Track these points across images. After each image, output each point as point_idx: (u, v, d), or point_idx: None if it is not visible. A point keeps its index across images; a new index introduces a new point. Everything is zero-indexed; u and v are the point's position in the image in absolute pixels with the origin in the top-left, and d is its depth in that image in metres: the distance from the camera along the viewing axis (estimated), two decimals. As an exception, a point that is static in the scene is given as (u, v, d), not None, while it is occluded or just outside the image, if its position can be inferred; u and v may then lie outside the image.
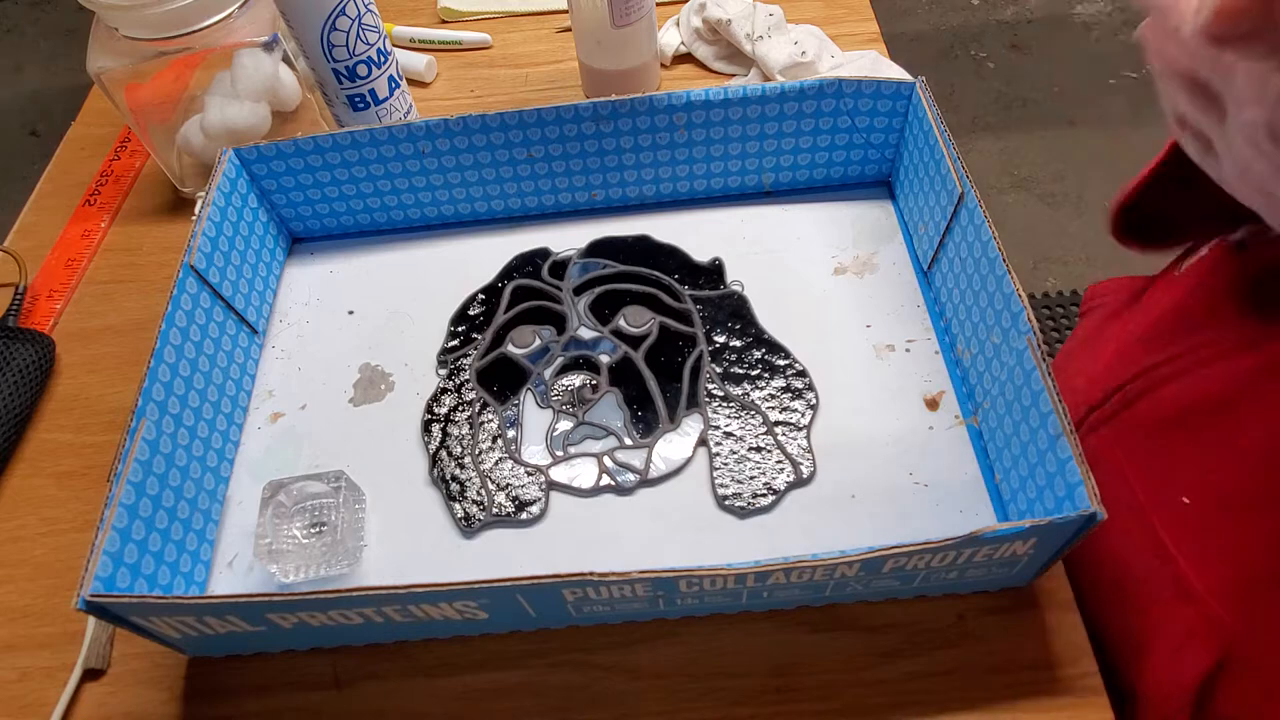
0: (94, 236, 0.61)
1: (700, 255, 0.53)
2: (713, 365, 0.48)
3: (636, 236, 0.55)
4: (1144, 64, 0.32)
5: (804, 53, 0.62)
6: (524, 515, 0.43)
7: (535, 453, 0.46)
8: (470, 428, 0.47)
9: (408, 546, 0.43)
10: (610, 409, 0.46)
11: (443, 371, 0.50)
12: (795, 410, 0.46)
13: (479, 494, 0.44)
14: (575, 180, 0.55)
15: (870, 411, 0.46)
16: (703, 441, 0.45)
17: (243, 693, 0.40)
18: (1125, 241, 0.45)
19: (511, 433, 0.46)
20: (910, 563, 0.35)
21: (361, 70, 0.56)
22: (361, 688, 0.40)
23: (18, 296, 0.56)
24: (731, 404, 0.46)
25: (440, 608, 0.36)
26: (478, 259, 0.55)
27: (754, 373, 0.48)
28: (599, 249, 0.54)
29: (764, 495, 0.43)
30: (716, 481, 0.44)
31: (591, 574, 0.33)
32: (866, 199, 0.56)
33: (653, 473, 0.44)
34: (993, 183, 1.55)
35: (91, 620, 0.42)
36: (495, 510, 0.44)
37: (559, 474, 0.45)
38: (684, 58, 0.68)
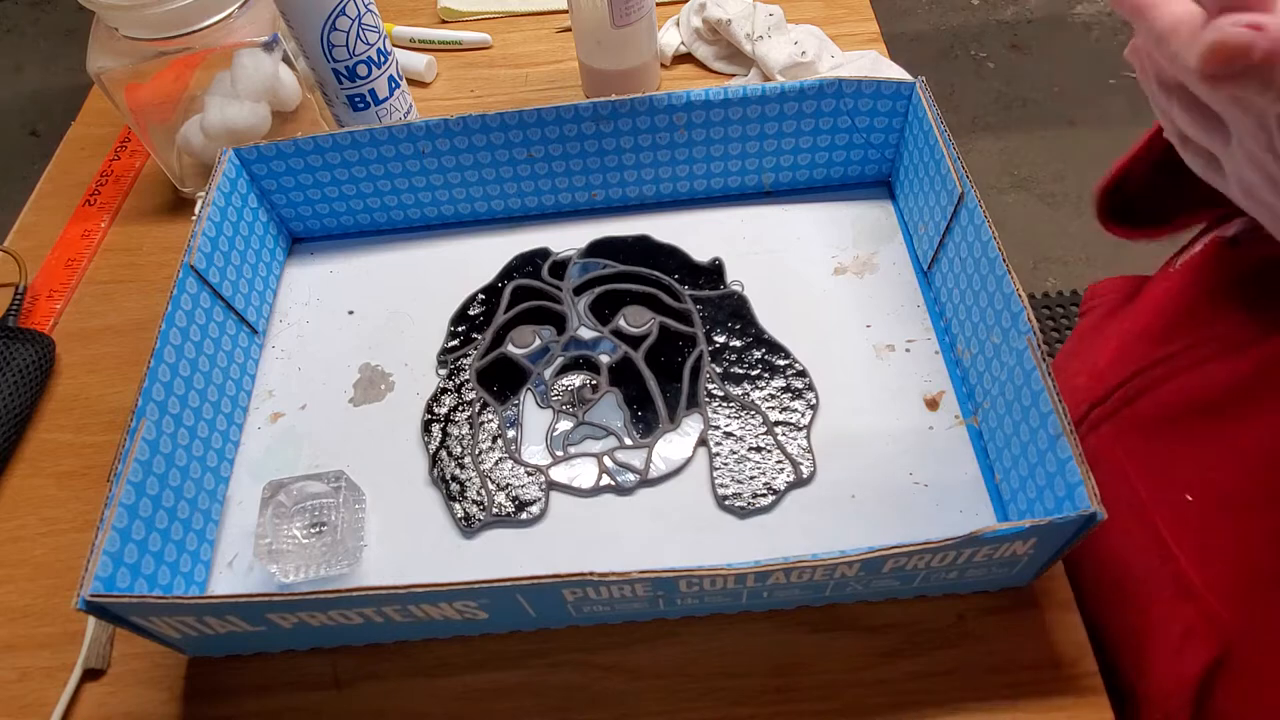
0: (94, 236, 0.61)
1: (700, 255, 0.53)
2: (713, 365, 0.48)
3: (636, 236, 0.55)
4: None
5: (804, 53, 0.62)
6: (524, 515, 0.43)
7: (535, 453, 0.46)
8: (470, 428, 0.47)
9: (408, 546, 0.43)
10: (610, 409, 0.46)
11: (443, 371, 0.50)
12: (795, 410, 0.46)
13: (479, 494, 0.44)
14: (575, 180, 0.55)
15: (870, 411, 0.46)
16: (703, 441, 0.45)
17: (243, 693, 0.40)
18: (1110, 226, 0.45)
19: (511, 433, 0.46)
20: (910, 563, 0.35)
21: (361, 70, 0.56)
22: (361, 688, 0.40)
23: (18, 296, 0.56)
24: (731, 404, 0.46)
25: (440, 608, 0.36)
26: (478, 259, 0.55)
27: (754, 373, 0.48)
28: (599, 249, 0.54)
29: (764, 495, 0.43)
30: (716, 481, 0.44)
31: (591, 574, 0.33)
32: (866, 199, 0.56)
33: (653, 473, 0.44)
34: (993, 183, 1.55)
35: (91, 620, 0.42)
36: (495, 510, 0.44)
37: (559, 474, 0.45)
38: (684, 58, 0.68)
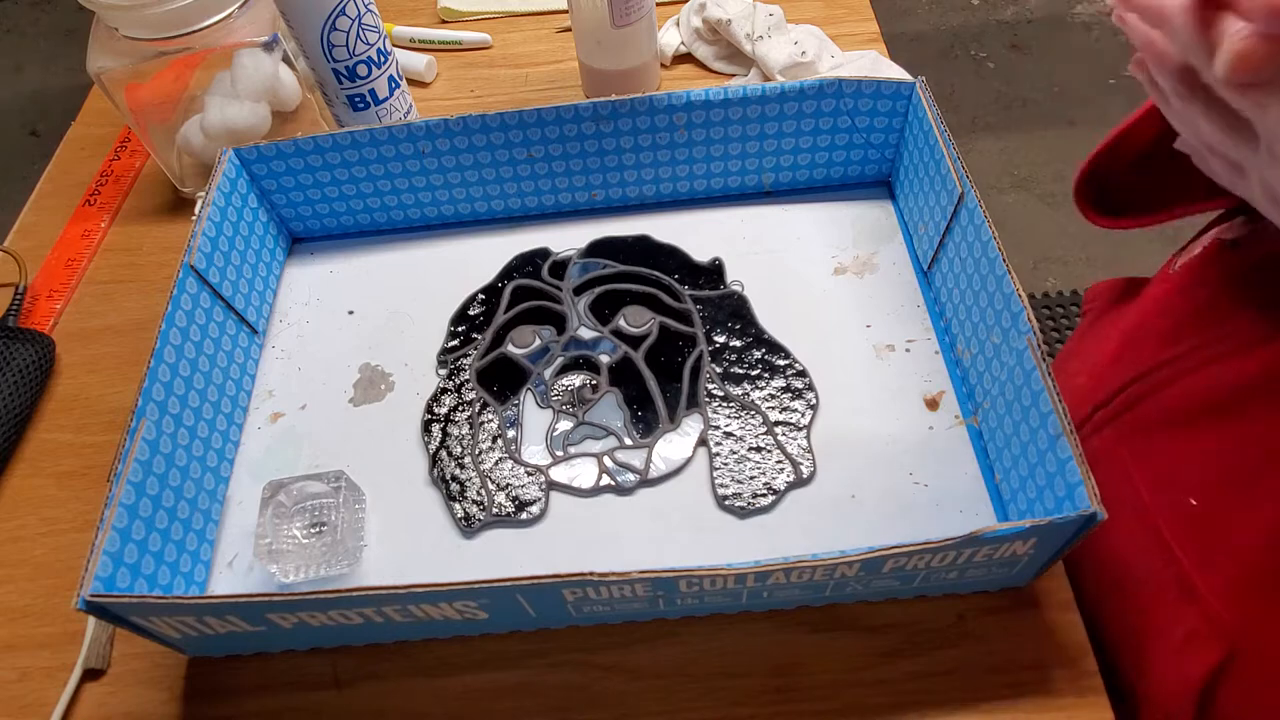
0: (94, 236, 0.61)
1: (700, 255, 0.53)
2: (713, 365, 0.48)
3: (636, 236, 0.55)
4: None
5: (804, 53, 0.62)
6: (524, 515, 0.43)
7: (535, 453, 0.46)
8: (470, 428, 0.47)
9: (408, 546, 0.43)
10: (610, 409, 0.46)
11: (443, 371, 0.50)
12: (795, 410, 0.46)
13: (479, 494, 0.44)
14: (575, 180, 0.55)
15: (870, 411, 0.46)
16: (703, 441, 0.45)
17: (243, 693, 0.40)
18: (1091, 215, 0.45)
19: (511, 433, 0.46)
20: (910, 563, 0.35)
21: (361, 70, 0.56)
22: (361, 688, 0.40)
23: (18, 296, 0.56)
24: (731, 404, 0.46)
25: (440, 608, 0.36)
26: (478, 259, 0.55)
27: (754, 373, 0.48)
28: (599, 249, 0.54)
29: (764, 495, 0.43)
30: (716, 481, 0.44)
31: (591, 574, 0.33)
32: (866, 199, 0.56)
33: (653, 473, 0.44)
34: (993, 183, 1.55)
35: (91, 620, 0.42)
36: (495, 510, 0.44)
37: (559, 474, 0.45)
38: (684, 58, 0.68)
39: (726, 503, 0.43)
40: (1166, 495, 0.39)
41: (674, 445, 0.45)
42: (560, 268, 0.53)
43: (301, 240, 0.57)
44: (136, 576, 0.38)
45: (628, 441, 0.45)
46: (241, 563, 0.43)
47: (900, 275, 0.51)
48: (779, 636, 0.40)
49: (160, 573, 0.39)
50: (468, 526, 0.43)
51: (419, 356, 0.50)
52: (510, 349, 0.49)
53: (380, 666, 0.40)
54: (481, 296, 0.53)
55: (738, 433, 0.45)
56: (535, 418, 0.47)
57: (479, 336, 0.51)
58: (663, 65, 0.67)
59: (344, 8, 0.53)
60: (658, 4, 0.62)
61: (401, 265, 0.55)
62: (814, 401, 0.46)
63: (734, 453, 0.45)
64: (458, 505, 0.44)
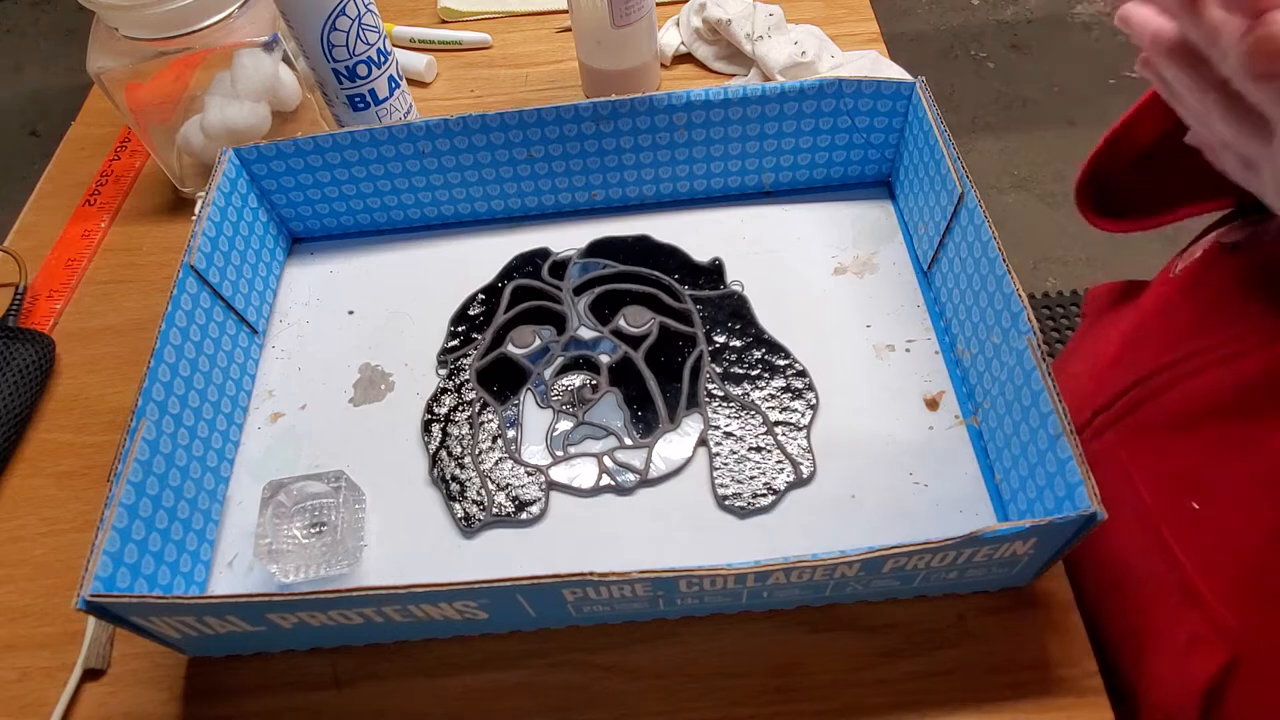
0: (94, 236, 0.61)
1: (700, 255, 0.53)
2: (713, 365, 0.48)
3: (636, 236, 0.55)
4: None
5: (804, 53, 0.62)
6: (524, 515, 0.43)
7: (535, 453, 0.46)
8: (470, 428, 0.47)
9: (408, 546, 0.43)
10: (610, 409, 0.46)
11: (443, 371, 0.50)
12: (795, 410, 0.46)
13: (479, 494, 0.44)
14: (575, 180, 0.55)
15: (870, 411, 0.46)
16: (703, 441, 0.45)
17: (243, 693, 0.40)
18: (1092, 217, 0.45)
19: (511, 433, 0.46)
20: (910, 563, 0.35)
21: (361, 70, 0.56)
22: (361, 688, 0.40)
23: (18, 296, 0.56)
24: (731, 404, 0.46)
25: (440, 608, 0.36)
26: (478, 259, 0.55)
27: (754, 373, 0.48)
28: (599, 249, 0.54)
29: (764, 495, 0.43)
30: (716, 481, 0.44)
31: (591, 574, 0.33)
32: (866, 199, 0.56)
33: (653, 473, 0.44)
34: (993, 183, 1.55)
35: (91, 620, 0.42)
36: (495, 510, 0.44)
37: (559, 474, 0.45)
38: (684, 58, 0.68)
39: (726, 503, 0.43)
40: (1168, 498, 0.38)
41: (674, 445, 0.45)
42: (560, 268, 0.53)
43: (301, 240, 0.57)
44: (136, 576, 0.38)
45: (628, 441, 0.45)
46: (241, 563, 0.43)
47: (900, 275, 0.51)
48: (779, 636, 0.40)
49: (160, 573, 0.39)
50: (468, 526, 0.43)
51: (419, 356, 0.50)
52: (510, 349, 0.49)
53: (380, 666, 0.40)
54: (481, 296, 0.53)
55: (738, 433, 0.45)
56: (535, 418, 0.47)
57: (479, 336, 0.51)
58: (663, 65, 0.67)
59: (344, 8, 0.53)
60: (658, 4, 0.62)
61: (401, 265, 0.55)
62: (814, 401, 0.46)
63: (734, 453, 0.45)
64: (458, 505, 0.44)
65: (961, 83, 1.73)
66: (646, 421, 0.46)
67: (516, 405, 0.47)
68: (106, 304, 0.57)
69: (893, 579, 0.37)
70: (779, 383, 0.47)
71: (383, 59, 0.58)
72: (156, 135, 0.60)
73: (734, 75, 0.66)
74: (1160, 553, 0.38)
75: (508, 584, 0.33)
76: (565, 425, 0.46)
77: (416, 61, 0.68)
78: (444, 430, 0.47)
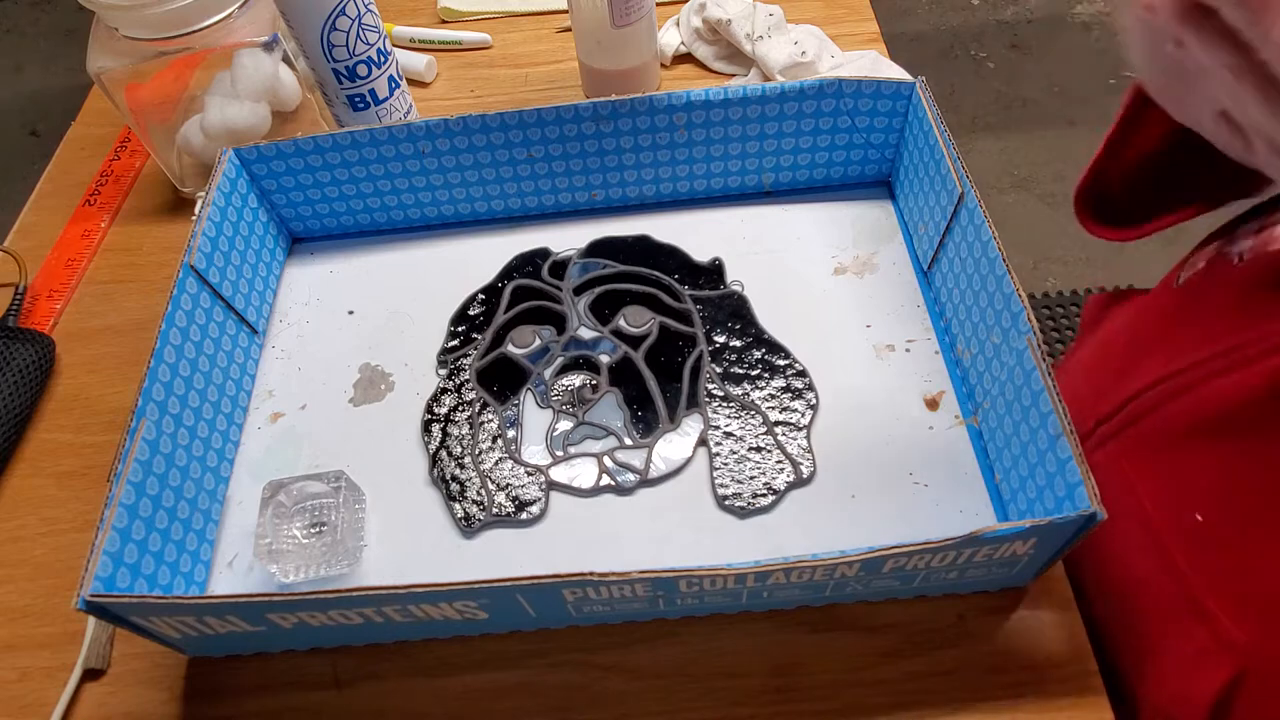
0: (94, 236, 0.61)
1: (700, 255, 0.53)
2: (713, 365, 0.48)
3: (636, 236, 0.55)
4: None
5: (804, 53, 0.62)
6: (524, 515, 0.43)
7: (535, 453, 0.46)
8: (470, 428, 0.47)
9: (408, 546, 0.43)
10: (610, 409, 0.46)
11: (443, 371, 0.50)
12: (795, 410, 0.46)
13: (479, 494, 0.44)
14: (575, 180, 0.55)
15: (870, 411, 0.46)
16: (703, 441, 0.45)
17: (243, 693, 0.40)
18: (1091, 225, 0.45)
19: (511, 433, 0.46)
20: (910, 563, 0.35)
21: (361, 70, 0.56)
22: (361, 688, 0.40)
23: (18, 296, 0.56)
24: (731, 404, 0.46)
25: (440, 608, 0.36)
26: (478, 259, 0.55)
27: (754, 373, 0.48)
28: (599, 249, 0.54)
29: (764, 495, 0.43)
30: (716, 481, 0.44)
31: (591, 574, 0.33)
32: (866, 199, 0.56)
33: (653, 473, 0.44)
34: (993, 183, 1.55)
35: (91, 620, 0.42)
36: (495, 510, 0.44)
37: (559, 474, 0.45)
38: (684, 58, 0.68)
39: (726, 503, 0.43)
40: (1172, 511, 0.38)
41: (674, 445, 0.45)
42: (560, 268, 0.53)
43: (301, 240, 0.57)
44: (136, 576, 0.38)
45: (628, 441, 0.45)
46: (241, 563, 0.43)
47: (900, 275, 0.51)
48: (779, 636, 0.40)
49: (160, 573, 0.39)
50: (468, 526, 0.43)
51: (419, 356, 0.50)
52: (510, 349, 0.49)
53: (380, 666, 0.40)
54: (481, 296, 0.53)
55: (738, 433, 0.45)
56: (535, 418, 0.47)
57: (479, 336, 0.51)
58: (663, 65, 0.67)
59: (344, 8, 0.53)
60: (658, 4, 0.62)
61: (401, 265, 0.55)
62: (814, 401, 0.46)
63: (734, 453, 0.45)
64: (458, 505, 0.44)
65: (961, 83, 1.73)
66: (646, 421, 0.46)
67: (516, 405, 0.47)
68: (106, 304, 0.57)
69: (893, 579, 0.37)
70: (779, 383, 0.47)
71: (383, 59, 0.58)
72: (156, 135, 0.60)
73: (734, 75, 0.66)
74: (1165, 566, 0.38)
75: (508, 584, 0.33)
76: (565, 425, 0.46)
77: (416, 61, 0.68)
78: (444, 430, 0.47)
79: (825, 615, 0.40)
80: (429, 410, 0.48)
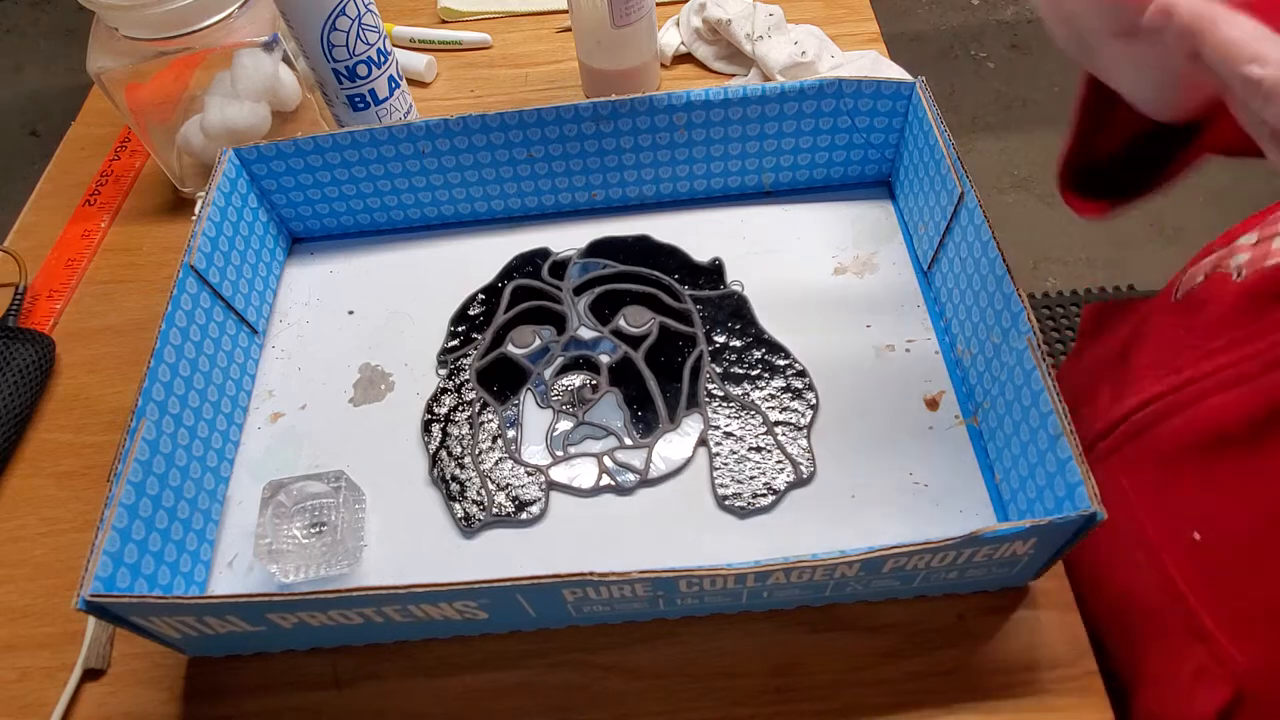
0: (94, 236, 0.61)
1: (700, 255, 0.53)
2: (713, 365, 0.48)
3: (636, 236, 0.55)
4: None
5: (804, 53, 0.62)
6: (524, 515, 0.43)
7: (535, 453, 0.46)
8: (470, 428, 0.47)
9: (408, 546, 0.43)
10: (610, 409, 0.46)
11: (443, 371, 0.50)
12: (795, 410, 0.46)
13: (479, 494, 0.44)
14: (575, 180, 0.55)
15: (870, 411, 0.46)
16: (703, 441, 0.45)
17: (243, 693, 0.40)
18: (1075, 200, 0.44)
19: (511, 433, 0.46)
20: (910, 563, 0.35)
21: (361, 70, 0.56)
22: (361, 688, 0.40)
23: (18, 296, 0.56)
24: (731, 404, 0.46)
25: (440, 608, 0.36)
26: (478, 259, 0.55)
27: (754, 373, 0.48)
28: (599, 249, 0.54)
29: (764, 495, 0.43)
30: (716, 481, 0.44)
31: (591, 574, 0.33)
32: (866, 199, 0.56)
33: (653, 473, 0.44)
34: (993, 183, 1.55)
35: (91, 620, 0.42)
36: (495, 510, 0.44)
37: (559, 474, 0.45)
38: (684, 58, 0.68)
39: (726, 503, 0.43)
40: (1171, 528, 0.38)
41: (674, 445, 0.45)
42: (560, 268, 0.53)
43: (301, 240, 0.57)
44: (136, 576, 0.38)
45: (628, 441, 0.45)
46: (241, 563, 0.43)
47: (900, 275, 0.51)
48: (779, 636, 0.40)
49: (160, 573, 0.39)
50: (468, 526, 0.43)
51: (419, 356, 0.50)
52: (510, 349, 0.49)
53: (380, 666, 0.40)
54: (481, 296, 0.53)
55: (738, 433, 0.45)
56: (535, 418, 0.47)
57: (479, 336, 0.51)
58: (663, 65, 0.67)
59: (344, 8, 0.53)
60: (658, 4, 0.62)
61: (401, 265, 0.55)
62: (814, 401, 0.46)
63: (734, 453, 0.45)
64: (458, 505, 0.44)
65: (961, 83, 1.73)
66: (646, 421, 0.46)
67: (516, 405, 0.47)
68: (106, 304, 0.57)
69: (893, 579, 0.37)
70: (779, 383, 0.47)
71: (383, 59, 0.58)
72: (156, 135, 0.60)
73: (734, 75, 0.66)
74: (1163, 584, 0.38)
75: (508, 584, 0.33)
76: (565, 425, 0.46)
77: (416, 61, 0.68)
78: (444, 430, 0.47)
79: (825, 615, 0.40)
80: (429, 410, 0.48)
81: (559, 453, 0.45)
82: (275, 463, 0.47)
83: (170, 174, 0.61)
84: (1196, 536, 0.36)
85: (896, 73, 0.61)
